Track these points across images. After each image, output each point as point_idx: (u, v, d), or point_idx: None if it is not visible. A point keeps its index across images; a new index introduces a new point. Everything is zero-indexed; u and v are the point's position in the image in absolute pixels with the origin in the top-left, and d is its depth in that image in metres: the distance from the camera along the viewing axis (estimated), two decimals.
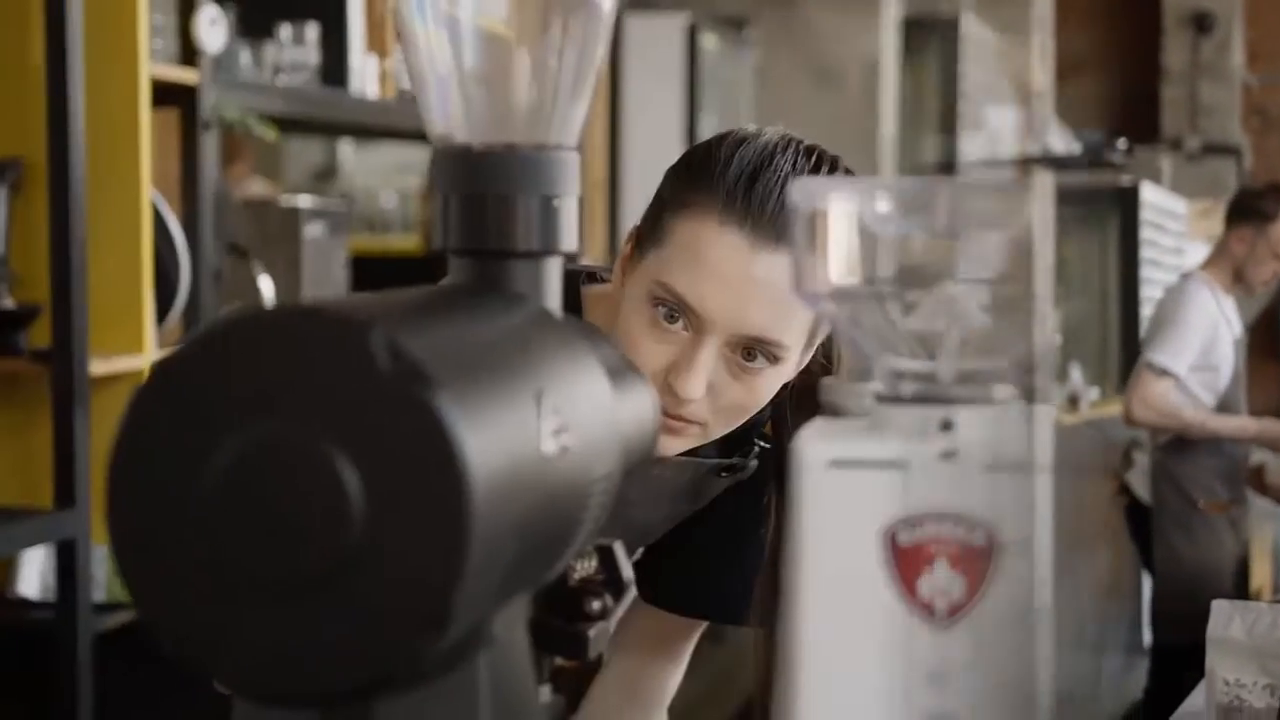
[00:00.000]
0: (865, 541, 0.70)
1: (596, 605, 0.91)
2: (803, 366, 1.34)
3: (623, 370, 0.89)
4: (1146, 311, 7.21)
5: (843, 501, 0.70)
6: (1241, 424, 4.40)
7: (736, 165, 1.27)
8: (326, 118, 3.22)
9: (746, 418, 1.31)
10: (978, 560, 0.69)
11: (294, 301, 1.03)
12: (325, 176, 5.61)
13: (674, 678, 1.53)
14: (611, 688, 1.48)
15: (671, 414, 1.27)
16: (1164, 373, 4.23)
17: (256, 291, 2.85)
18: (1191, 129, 8.93)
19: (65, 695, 2.42)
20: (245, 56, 2.96)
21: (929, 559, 0.69)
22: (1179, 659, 4.34)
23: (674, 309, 1.25)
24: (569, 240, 0.84)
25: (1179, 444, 4.39)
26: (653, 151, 4.69)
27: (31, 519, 2.41)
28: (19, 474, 2.51)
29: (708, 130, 6.06)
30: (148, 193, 2.52)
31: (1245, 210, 4.39)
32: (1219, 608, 2.04)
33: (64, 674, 2.42)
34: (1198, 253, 8.39)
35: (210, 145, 2.72)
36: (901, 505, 0.70)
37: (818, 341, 1.33)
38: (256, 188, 4.13)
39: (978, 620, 0.69)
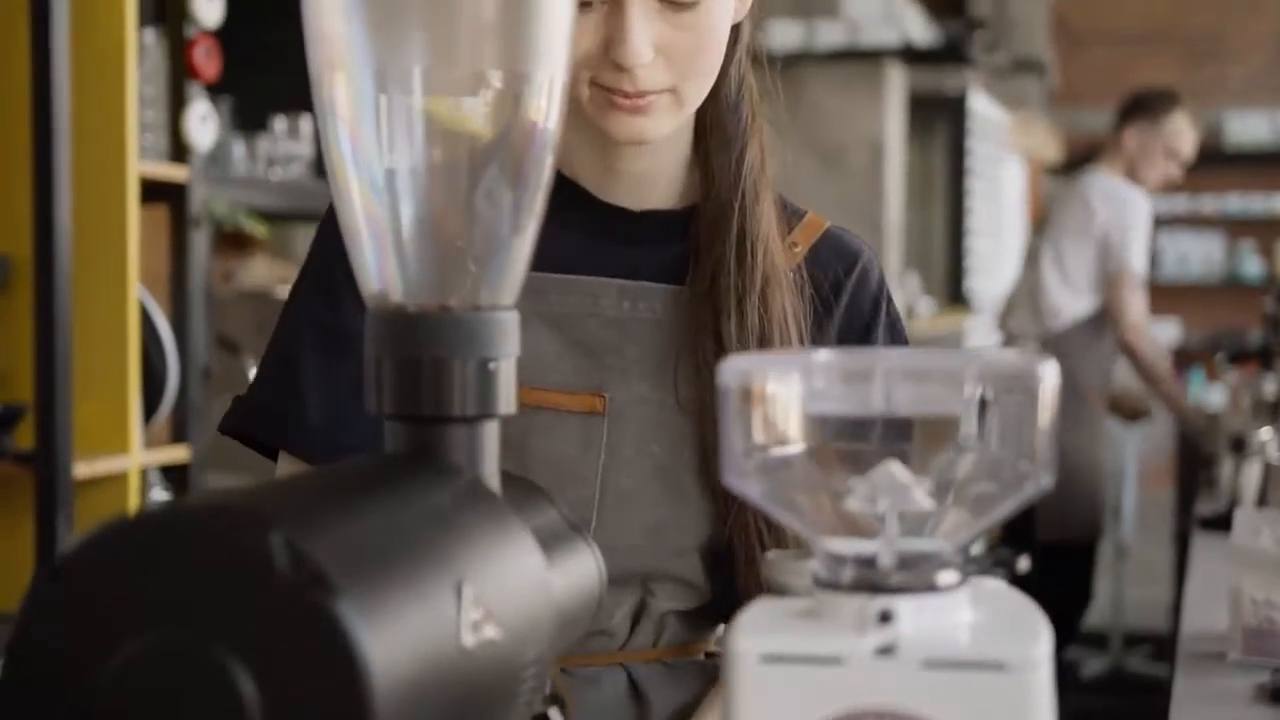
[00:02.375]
0: None
1: None
2: None
3: (562, 535, 0.86)
4: (971, 223, 7.32)
5: (777, 698, 0.67)
6: (1181, 399, 4.48)
7: None
8: (320, 210, 3.20)
9: (714, 69, 1.21)
10: None
11: (198, 496, 1.02)
12: None
13: None
14: None
15: (632, 92, 1.17)
16: (1142, 282, 4.32)
17: (247, 386, 2.82)
18: (999, 44, 9.01)
19: None
20: (239, 149, 2.95)
21: None
22: (1060, 557, 4.37)
23: None
24: (507, 403, 0.81)
25: (1068, 336, 4.41)
26: None
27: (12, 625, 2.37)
28: (1, 578, 2.48)
29: None
30: (135, 291, 2.51)
31: (1139, 107, 4.52)
32: (1243, 517, 1.88)
33: None
34: (1014, 164, 8.57)
35: (200, 242, 2.71)
36: (839, 704, 0.67)
37: None
38: (264, 271, 4.11)
39: None
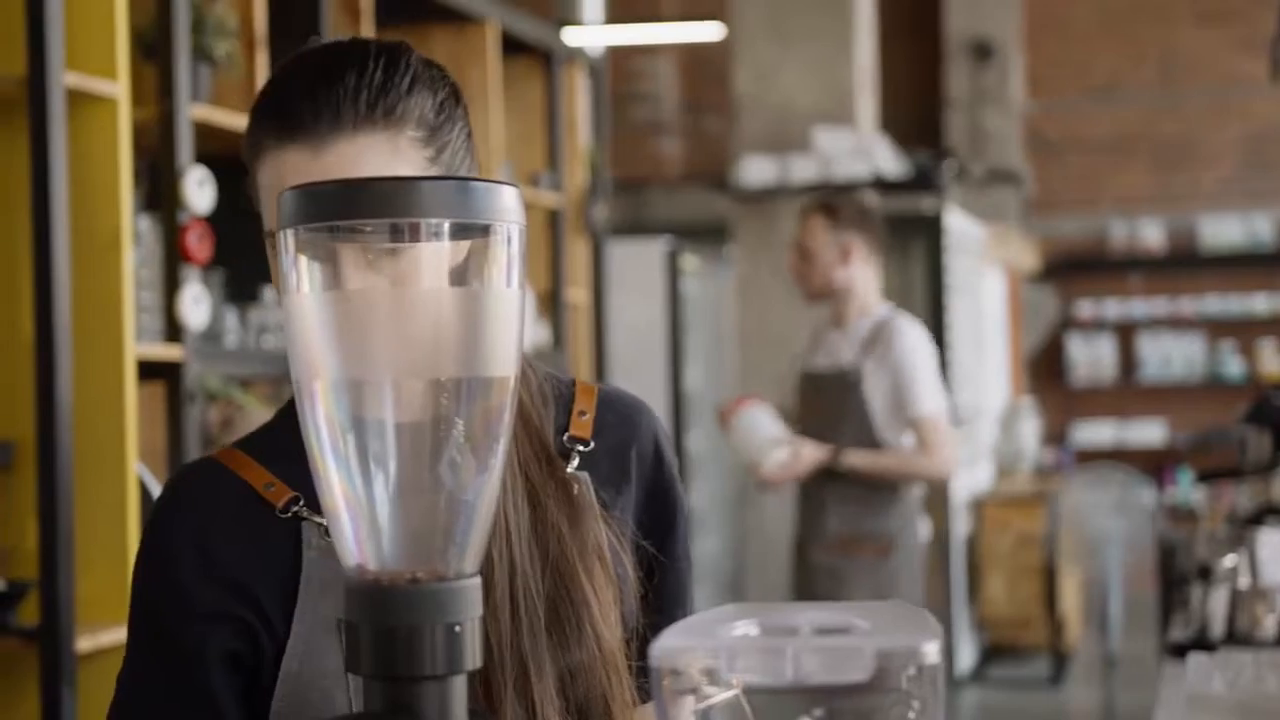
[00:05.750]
0: None
1: None
2: None
3: None
4: (953, 336, 7.40)
5: None
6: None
7: (273, 84, 1.25)
8: None
9: None
10: None
11: None
12: None
13: None
14: None
15: None
16: None
17: None
18: (974, 156, 9.16)
19: None
20: (232, 319, 3.08)
21: None
22: None
23: None
24: (473, 659, 0.92)
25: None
26: (640, 371, 4.80)
27: None
28: None
29: (692, 344, 6.21)
30: (134, 468, 2.61)
31: None
32: (1196, 661, 1.95)
33: None
34: (994, 276, 8.70)
35: (194, 417, 2.83)
36: None
37: None
38: (261, 421, 4.19)
39: None
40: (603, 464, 1.34)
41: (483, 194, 0.91)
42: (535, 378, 1.34)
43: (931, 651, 0.79)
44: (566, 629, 1.25)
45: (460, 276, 0.92)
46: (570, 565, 1.27)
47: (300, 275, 0.91)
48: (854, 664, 0.80)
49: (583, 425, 1.34)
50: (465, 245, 0.92)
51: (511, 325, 0.93)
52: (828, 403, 4.05)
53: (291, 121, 1.21)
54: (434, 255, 0.90)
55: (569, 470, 1.31)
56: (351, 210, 0.90)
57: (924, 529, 4.19)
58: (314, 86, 1.22)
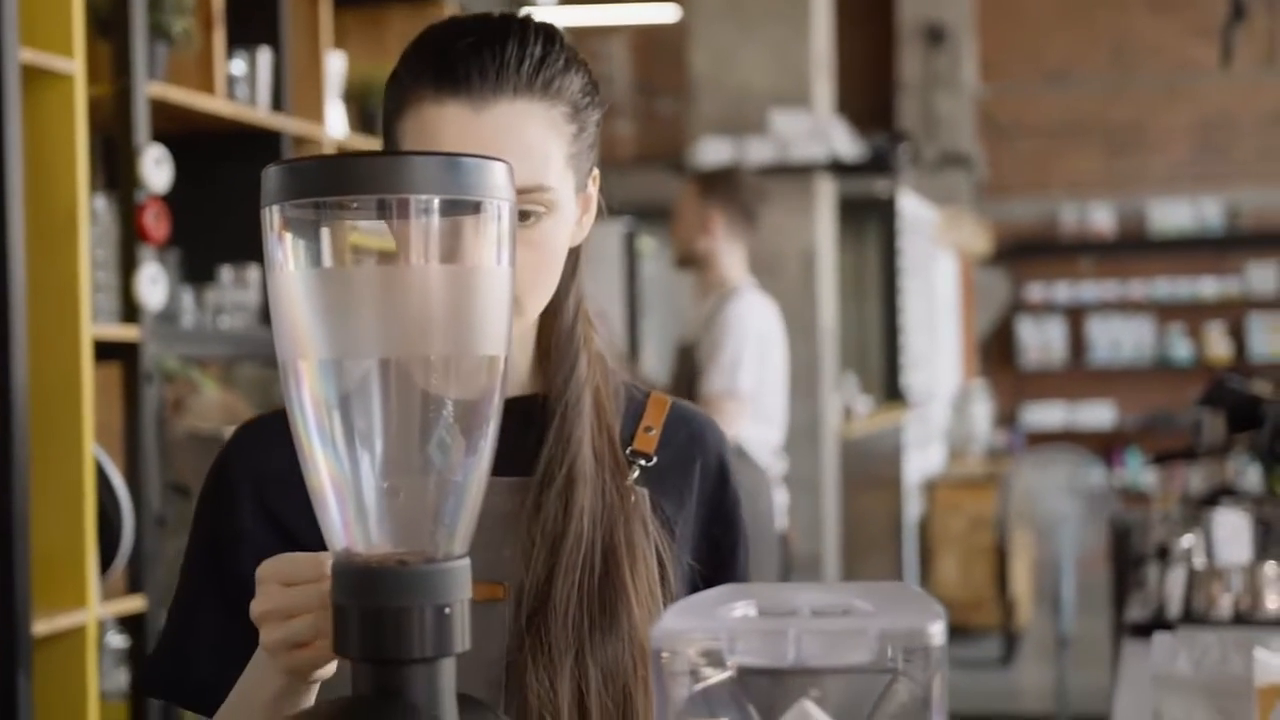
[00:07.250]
0: None
1: None
2: (590, 211, 1.31)
3: None
4: (906, 319, 7.46)
5: None
6: None
7: (432, 41, 1.26)
8: (268, 355, 3.29)
9: (553, 283, 1.26)
10: None
11: None
12: None
13: None
14: None
15: None
16: None
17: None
18: (927, 139, 9.22)
19: None
20: (188, 300, 3.05)
21: None
22: None
23: None
24: (462, 641, 0.91)
25: None
26: None
27: None
28: None
29: (649, 326, 6.21)
30: (90, 450, 2.58)
31: None
32: (1161, 641, 1.95)
33: None
34: (947, 260, 8.74)
35: (151, 397, 2.80)
36: None
37: (593, 173, 1.30)
38: (214, 399, 4.14)
39: None
40: (667, 477, 1.35)
41: (472, 170, 0.90)
42: (614, 379, 1.35)
43: (936, 632, 0.78)
44: (603, 614, 1.25)
45: (449, 254, 0.90)
46: (617, 555, 1.27)
47: (286, 252, 0.90)
48: (856, 645, 0.79)
49: (648, 440, 1.35)
50: (454, 221, 0.90)
51: (502, 303, 0.92)
52: (677, 374, 4.06)
53: (454, 77, 1.22)
54: (423, 232, 0.88)
55: (628, 483, 1.31)
56: (339, 186, 0.89)
57: (775, 510, 3.99)
58: (479, 47, 1.23)
